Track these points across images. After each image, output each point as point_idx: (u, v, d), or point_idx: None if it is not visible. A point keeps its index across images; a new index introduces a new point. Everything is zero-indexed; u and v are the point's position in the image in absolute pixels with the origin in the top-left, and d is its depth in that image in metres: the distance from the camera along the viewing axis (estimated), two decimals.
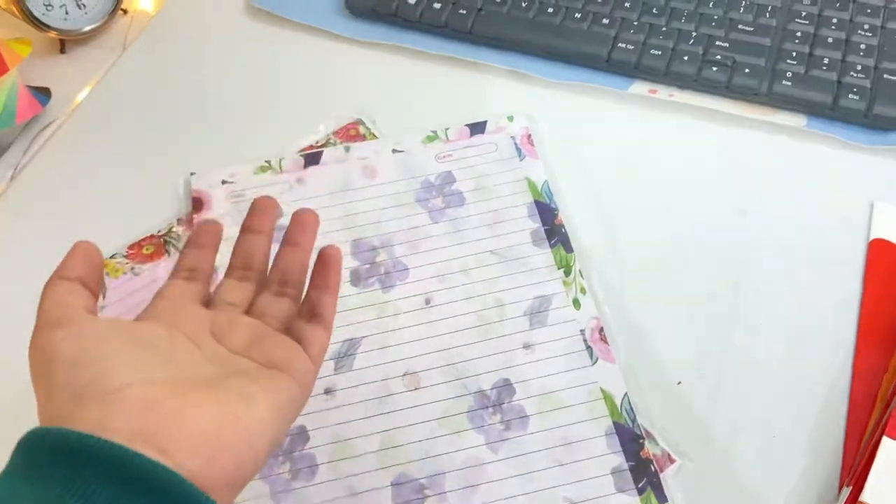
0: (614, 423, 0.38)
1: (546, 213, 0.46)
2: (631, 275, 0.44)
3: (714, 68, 0.50)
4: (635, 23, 0.53)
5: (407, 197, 0.47)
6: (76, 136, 0.53)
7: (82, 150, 0.52)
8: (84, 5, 0.56)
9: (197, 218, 0.47)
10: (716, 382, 0.40)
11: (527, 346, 0.41)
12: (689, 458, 0.38)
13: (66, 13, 0.56)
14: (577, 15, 0.54)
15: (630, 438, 0.38)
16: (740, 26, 0.52)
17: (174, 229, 0.47)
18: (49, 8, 0.55)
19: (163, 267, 0.45)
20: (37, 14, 0.54)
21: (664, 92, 0.52)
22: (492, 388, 0.40)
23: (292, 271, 0.34)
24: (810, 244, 0.45)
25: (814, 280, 0.43)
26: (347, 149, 0.50)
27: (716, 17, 0.53)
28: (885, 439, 0.35)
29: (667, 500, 0.36)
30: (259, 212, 0.36)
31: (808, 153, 0.49)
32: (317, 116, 0.52)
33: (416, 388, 0.40)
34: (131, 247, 0.46)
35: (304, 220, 0.36)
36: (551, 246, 0.45)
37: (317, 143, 0.51)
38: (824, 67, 0.50)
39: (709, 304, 0.43)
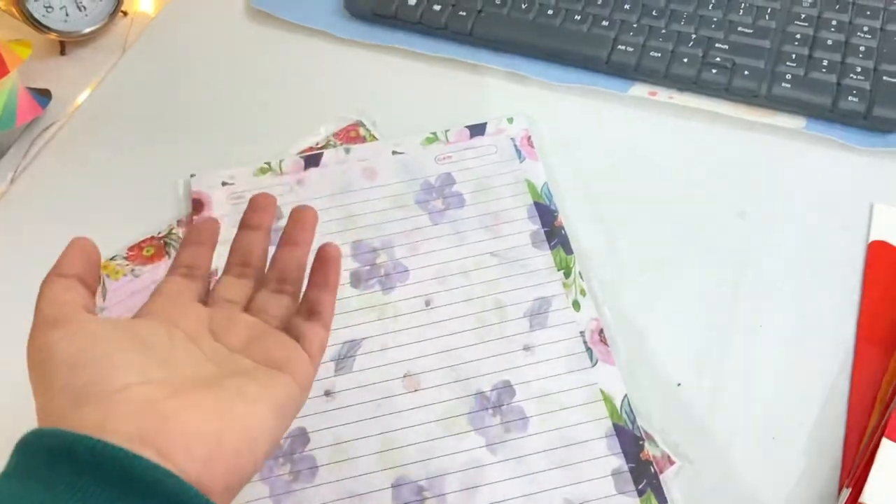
0: (614, 424, 0.38)
1: (546, 214, 0.46)
2: (631, 277, 0.44)
3: (714, 70, 0.50)
4: (635, 25, 0.53)
5: (407, 199, 0.47)
6: (76, 137, 0.53)
7: (82, 151, 0.52)
8: (84, 7, 0.56)
9: (197, 220, 0.47)
10: (716, 384, 0.40)
11: (527, 348, 0.41)
12: (688, 460, 0.38)
13: (67, 15, 0.56)
14: (577, 17, 0.54)
15: (630, 440, 0.38)
16: (740, 28, 0.52)
17: (174, 231, 0.47)
18: (49, 10, 0.55)
19: (163, 268, 0.45)
20: (37, 16, 0.54)
21: (664, 94, 0.52)
22: (492, 390, 0.40)
23: (291, 268, 0.34)
24: (810, 246, 0.45)
25: (813, 281, 0.43)
26: (347, 150, 0.50)
27: (715, 19, 0.53)
28: (884, 441, 0.35)
29: (667, 502, 0.36)
30: (257, 208, 0.36)
31: (808, 155, 0.49)
32: (317, 118, 0.52)
33: (416, 390, 0.40)
34: (131, 248, 0.46)
35: (302, 217, 0.35)
36: (551, 248, 0.45)
37: (317, 144, 0.51)
38: (824, 69, 0.50)
39: (709, 305, 0.43)
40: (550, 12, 0.54)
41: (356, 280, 0.44)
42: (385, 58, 0.56)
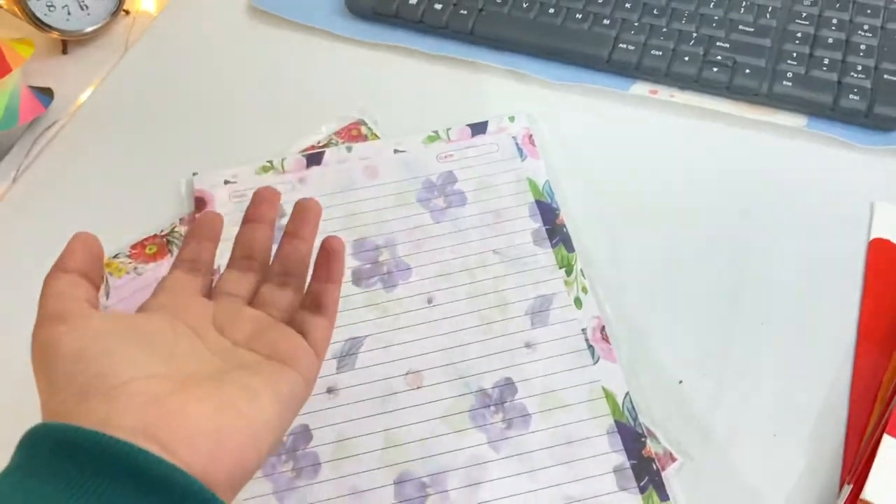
0: (616, 421, 0.38)
1: (547, 212, 0.46)
2: (632, 274, 0.44)
3: (715, 69, 0.51)
4: (636, 24, 0.53)
5: (408, 197, 0.47)
6: (78, 136, 0.53)
7: (85, 150, 0.52)
8: (86, 6, 0.56)
9: (200, 214, 0.47)
10: (717, 381, 0.40)
11: (528, 345, 0.41)
12: (690, 457, 0.38)
13: (69, 14, 0.56)
14: (578, 16, 0.54)
15: (632, 437, 0.38)
16: (741, 27, 0.52)
17: (177, 229, 0.47)
18: (51, 8, 0.55)
19: (166, 267, 0.45)
20: (39, 14, 0.54)
21: (665, 92, 0.52)
22: (493, 387, 0.40)
23: (294, 262, 0.34)
24: (811, 244, 0.45)
25: (814, 279, 0.43)
26: (349, 149, 0.50)
27: (716, 17, 0.53)
28: (885, 437, 0.35)
29: (668, 499, 0.36)
30: (261, 202, 0.36)
31: (809, 153, 0.49)
32: (318, 117, 0.52)
33: (418, 387, 0.40)
34: (134, 246, 0.46)
35: (306, 210, 0.35)
36: (553, 245, 0.45)
37: (319, 143, 0.51)
38: (825, 68, 0.50)
39: (710, 303, 0.43)
40: (551, 11, 0.54)
41: (358, 278, 0.44)
42: (386, 56, 0.56)
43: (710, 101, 0.51)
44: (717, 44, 0.52)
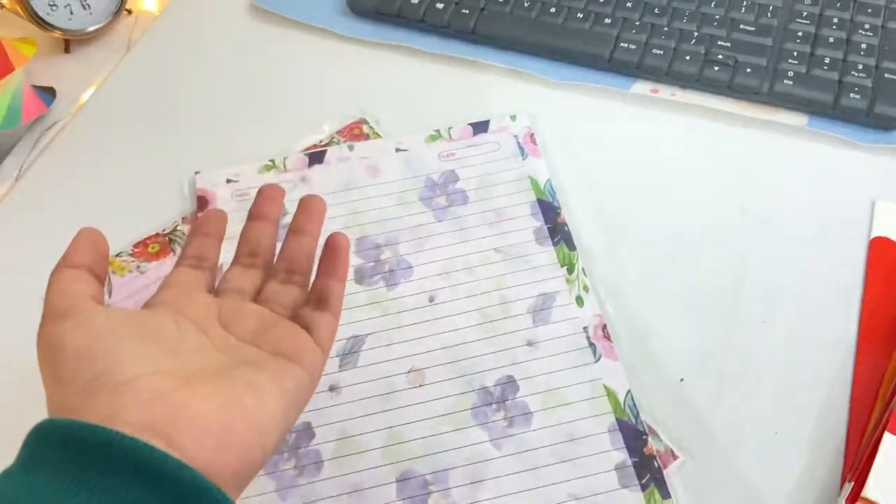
0: (617, 419, 0.39)
1: (549, 211, 0.46)
2: (633, 273, 0.44)
3: (716, 68, 0.51)
4: (637, 23, 0.53)
5: (410, 195, 0.47)
6: (81, 135, 0.53)
7: (87, 149, 0.52)
8: (88, 5, 0.57)
9: (204, 211, 0.47)
10: (718, 379, 0.40)
11: (530, 344, 0.41)
12: (692, 455, 0.38)
13: (71, 13, 0.56)
14: (580, 15, 0.54)
15: (633, 435, 0.38)
16: (742, 26, 0.52)
17: (179, 228, 0.47)
18: (53, 8, 0.55)
19: (168, 265, 0.45)
20: (41, 14, 0.54)
21: (666, 91, 0.52)
22: (495, 385, 0.40)
23: (299, 258, 0.34)
24: (812, 242, 0.45)
25: (815, 277, 0.43)
26: (351, 148, 0.50)
27: (717, 17, 0.53)
28: (886, 435, 0.35)
29: (670, 496, 0.36)
30: (266, 199, 0.36)
31: (810, 152, 0.49)
32: (320, 116, 0.52)
33: (420, 385, 0.40)
34: (137, 245, 0.46)
35: (310, 206, 0.35)
36: (554, 244, 0.45)
37: (321, 142, 0.51)
38: (825, 67, 0.50)
39: (711, 301, 0.43)
40: (553, 10, 0.54)
41: (360, 276, 0.44)
42: (388, 56, 0.56)
43: (711, 100, 0.51)
44: (719, 43, 0.52)
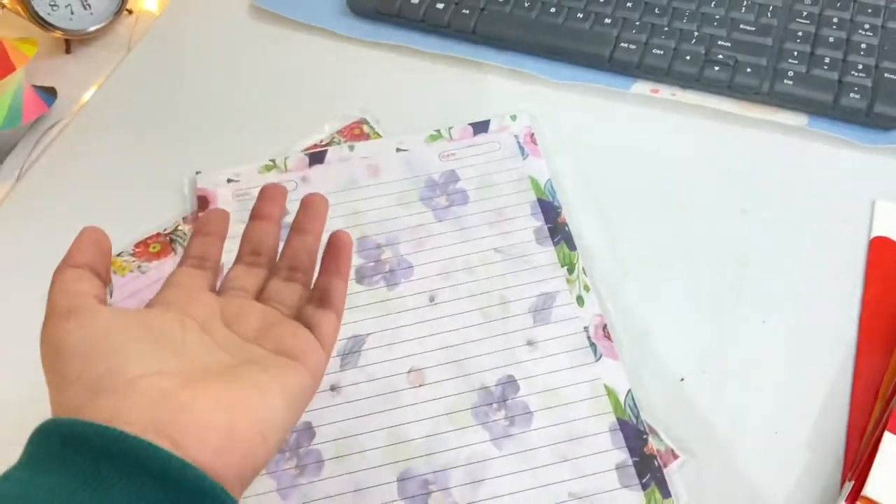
0: (618, 419, 0.39)
1: (549, 211, 0.46)
2: (634, 272, 0.44)
3: (716, 68, 0.51)
4: (637, 23, 0.53)
5: (411, 195, 0.47)
6: (82, 135, 0.53)
7: (88, 149, 0.52)
8: (89, 5, 0.57)
9: (206, 211, 0.47)
10: (718, 379, 0.40)
11: (530, 343, 0.41)
12: (692, 454, 0.38)
13: (72, 13, 0.56)
14: (580, 15, 0.54)
15: (634, 434, 0.38)
16: (742, 26, 0.53)
17: (180, 228, 0.47)
18: (54, 8, 0.55)
19: (169, 265, 0.45)
20: (42, 14, 0.54)
21: (666, 91, 0.52)
22: (496, 385, 0.40)
23: (302, 257, 0.34)
24: (811, 242, 0.45)
25: (815, 277, 0.43)
26: (352, 148, 0.50)
27: (717, 16, 0.53)
28: (886, 434, 0.35)
29: (671, 496, 0.36)
30: (268, 198, 0.36)
31: (810, 152, 0.49)
32: (321, 116, 0.52)
33: (420, 385, 0.40)
34: (137, 245, 0.46)
35: (313, 205, 0.35)
36: (554, 244, 0.45)
37: (321, 142, 0.51)
38: (825, 67, 0.50)
39: (711, 301, 0.43)
40: (553, 10, 0.54)
41: (361, 276, 0.44)
42: (388, 56, 0.56)
43: (711, 100, 0.51)
44: (719, 43, 0.52)
